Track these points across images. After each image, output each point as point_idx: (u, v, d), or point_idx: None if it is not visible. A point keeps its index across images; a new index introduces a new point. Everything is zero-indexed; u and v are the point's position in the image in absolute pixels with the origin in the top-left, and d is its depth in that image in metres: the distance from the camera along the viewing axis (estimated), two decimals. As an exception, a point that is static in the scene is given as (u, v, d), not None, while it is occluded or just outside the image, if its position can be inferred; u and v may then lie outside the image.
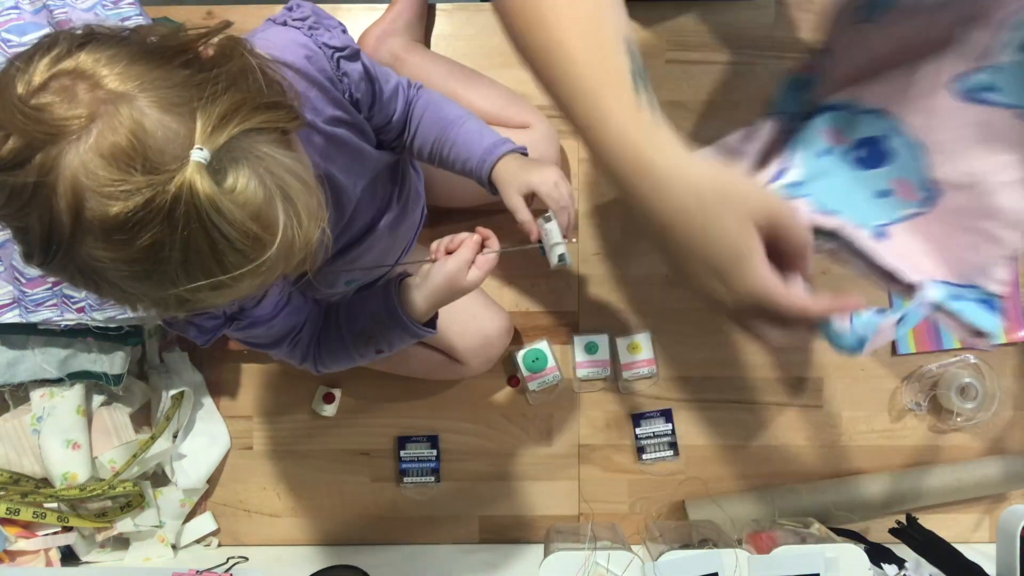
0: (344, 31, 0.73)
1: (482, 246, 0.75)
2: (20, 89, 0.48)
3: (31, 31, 0.92)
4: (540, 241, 0.80)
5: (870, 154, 0.67)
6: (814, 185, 0.66)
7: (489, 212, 1.08)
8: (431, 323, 0.78)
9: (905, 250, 0.66)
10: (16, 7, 0.92)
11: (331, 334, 0.80)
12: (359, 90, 0.75)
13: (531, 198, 0.80)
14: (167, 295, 0.53)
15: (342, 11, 1.09)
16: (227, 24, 0.55)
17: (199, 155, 0.48)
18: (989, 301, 0.66)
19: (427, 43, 1.09)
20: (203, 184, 0.48)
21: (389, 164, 0.85)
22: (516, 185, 0.79)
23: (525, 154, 0.83)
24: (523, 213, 0.79)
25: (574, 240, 0.80)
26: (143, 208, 0.48)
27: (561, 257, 0.80)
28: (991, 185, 0.63)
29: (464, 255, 0.73)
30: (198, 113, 0.49)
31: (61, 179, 0.48)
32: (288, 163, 0.53)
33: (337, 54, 0.72)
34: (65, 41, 0.50)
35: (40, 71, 0.49)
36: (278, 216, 0.52)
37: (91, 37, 0.51)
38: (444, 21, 1.10)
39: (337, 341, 0.79)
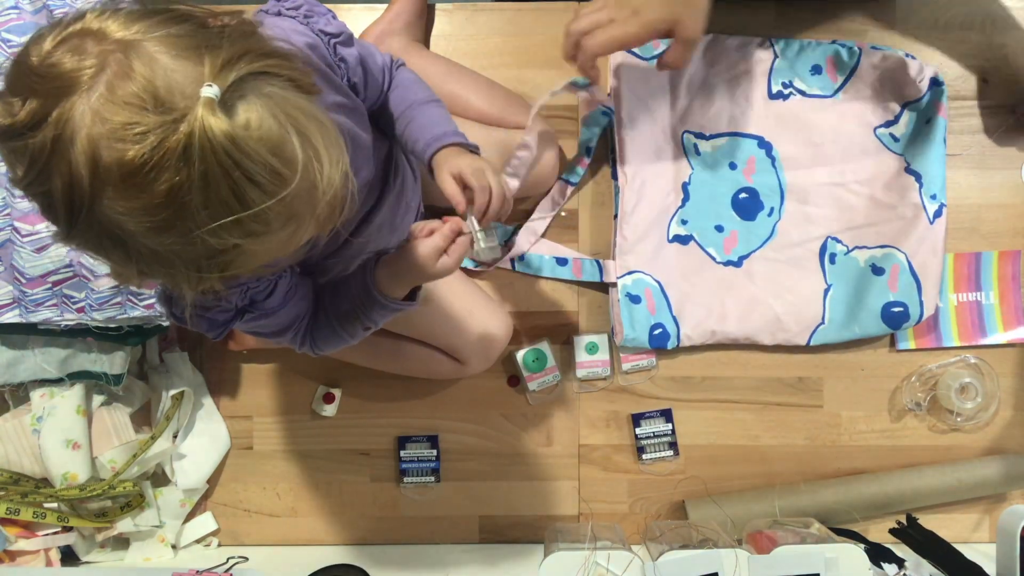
0: (334, 17, 0.74)
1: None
2: (34, 58, 0.50)
3: (31, 31, 0.92)
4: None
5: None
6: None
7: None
8: (413, 295, 0.78)
9: None
10: (16, 7, 0.93)
11: (320, 318, 0.80)
12: (355, 74, 0.76)
13: (463, 187, 0.79)
14: (197, 250, 0.52)
15: (342, 11, 1.09)
16: (240, 10, 0.57)
17: (209, 91, 0.49)
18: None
19: (427, 43, 1.09)
20: (216, 119, 0.48)
21: (383, 156, 0.86)
22: (447, 167, 0.78)
23: (474, 151, 0.82)
24: (451, 188, 0.78)
25: (499, 224, 0.79)
26: (158, 148, 0.48)
27: (478, 252, 0.79)
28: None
29: (437, 242, 0.72)
30: (206, 55, 0.50)
31: (76, 129, 0.48)
32: (301, 104, 0.54)
33: (334, 40, 0.73)
34: (76, 12, 0.52)
35: (50, 40, 0.50)
36: (296, 152, 0.52)
37: (105, 6, 0.53)
38: (444, 21, 1.10)
39: (325, 323, 0.79)
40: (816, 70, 1.06)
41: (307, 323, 0.80)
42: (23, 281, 0.94)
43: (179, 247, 0.52)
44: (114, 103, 0.48)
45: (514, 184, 1.00)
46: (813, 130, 1.06)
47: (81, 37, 0.50)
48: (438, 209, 1.06)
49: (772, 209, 1.08)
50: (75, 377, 0.99)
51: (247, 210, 0.51)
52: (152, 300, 0.96)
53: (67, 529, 1.02)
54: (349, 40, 0.75)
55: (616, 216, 1.06)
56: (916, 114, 1.05)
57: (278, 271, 0.71)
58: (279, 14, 0.71)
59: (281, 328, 0.77)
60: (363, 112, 0.79)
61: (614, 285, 1.06)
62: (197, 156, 0.48)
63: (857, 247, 1.07)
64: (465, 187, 0.77)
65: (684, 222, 1.08)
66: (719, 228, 1.08)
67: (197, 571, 0.92)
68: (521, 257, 1.08)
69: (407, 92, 0.83)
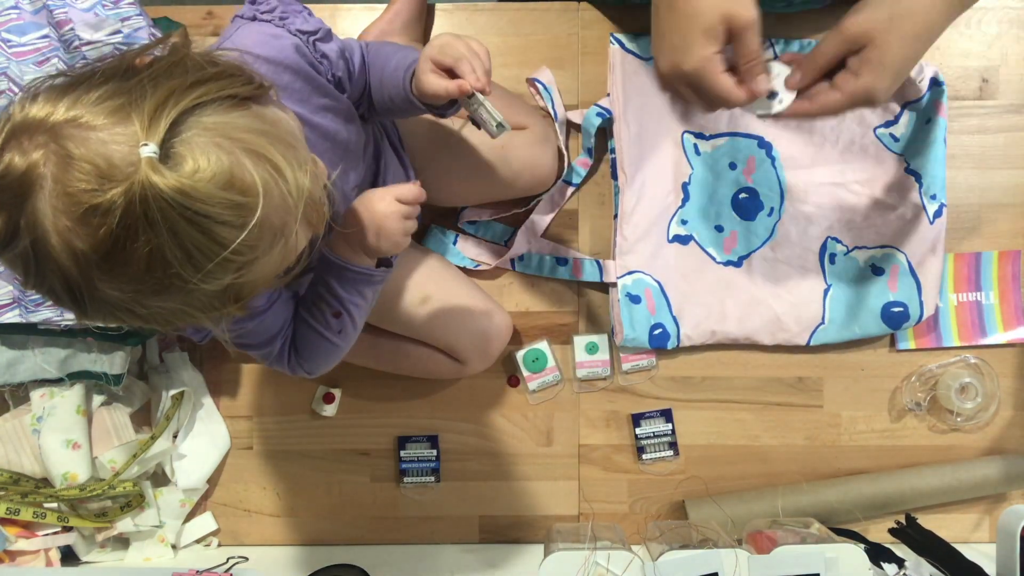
0: (310, 14, 0.73)
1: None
2: None
3: (31, 31, 0.92)
4: (473, 120, 0.76)
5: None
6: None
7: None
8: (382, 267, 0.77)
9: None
10: (16, 7, 0.92)
11: (296, 321, 0.80)
12: (339, 68, 0.75)
13: (449, 75, 0.75)
14: (200, 297, 0.53)
15: (342, 11, 1.09)
16: (168, 36, 0.57)
17: (146, 151, 0.48)
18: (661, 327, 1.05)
19: (426, 43, 1.09)
20: (161, 176, 0.48)
21: (371, 155, 0.85)
22: (421, 69, 0.75)
23: None
24: (443, 83, 0.73)
25: (489, 91, 0.73)
26: (121, 221, 0.48)
27: (499, 126, 0.73)
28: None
29: (404, 210, 0.73)
30: (132, 113, 0.50)
31: (46, 229, 0.49)
32: (244, 123, 0.53)
33: (312, 38, 0.72)
34: (5, 112, 0.52)
35: None
36: (251, 175, 0.52)
37: (28, 92, 0.52)
38: (444, 21, 1.10)
39: (300, 322, 0.79)
40: None
41: (291, 331, 0.80)
42: (23, 281, 0.94)
43: (183, 300, 0.53)
44: (66, 193, 0.48)
45: None
46: (813, 130, 1.06)
47: (16, 136, 0.50)
48: (438, 209, 1.07)
49: (772, 209, 1.08)
50: (75, 377, 0.99)
51: (226, 249, 0.51)
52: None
53: (67, 529, 1.02)
54: (328, 35, 0.74)
55: (616, 216, 1.06)
56: (916, 114, 1.05)
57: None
58: (254, 18, 0.71)
59: (269, 336, 0.77)
60: (350, 110, 0.78)
61: (614, 285, 1.06)
62: (158, 217, 0.48)
63: (857, 247, 1.07)
64: (449, 73, 0.73)
65: (684, 222, 1.08)
66: (719, 228, 1.08)
67: (197, 571, 0.92)
68: (521, 257, 1.08)
69: (377, 59, 0.82)
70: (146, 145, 0.48)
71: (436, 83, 0.73)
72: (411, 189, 0.75)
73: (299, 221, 0.56)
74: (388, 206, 0.73)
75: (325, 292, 0.76)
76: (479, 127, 0.75)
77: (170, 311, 0.54)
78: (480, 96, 0.72)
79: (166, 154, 0.49)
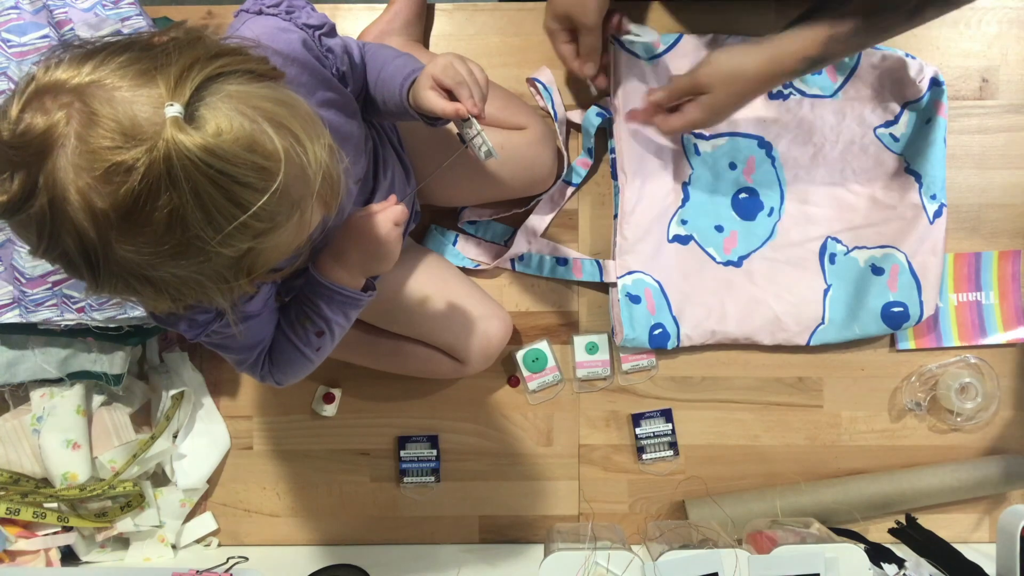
0: (314, 9, 0.74)
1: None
2: (4, 133, 0.51)
3: (31, 31, 0.92)
4: (463, 140, 0.77)
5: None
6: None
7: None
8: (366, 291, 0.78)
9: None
10: (16, 7, 0.93)
11: (276, 334, 0.80)
12: (343, 63, 0.76)
13: (447, 95, 0.76)
14: (216, 264, 0.54)
15: (342, 11, 1.09)
16: (180, 23, 0.58)
17: (172, 111, 0.49)
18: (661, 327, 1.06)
19: (426, 43, 1.09)
20: (186, 135, 0.49)
21: (370, 151, 0.85)
22: (421, 84, 0.76)
23: None
24: (441, 103, 0.74)
25: (484, 119, 0.75)
26: (143, 179, 0.49)
27: (487, 153, 0.76)
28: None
29: (398, 216, 0.74)
30: (158, 76, 0.50)
31: (65, 187, 0.49)
32: (265, 93, 0.54)
33: (318, 32, 0.73)
34: (27, 75, 0.53)
35: (14, 109, 0.51)
36: (274, 142, 0.52)
37: (52, 58, 0.53)
38: (443, 21, 1.10)
39: (280, 335, 0.79)
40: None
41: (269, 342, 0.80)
42: (23, 281, 0.94)
43: (199, 266, 0.53)
44: (89, 151, 0.49)
45: None
46: (813, 130, 1.06)
47: (38, 97, 0.50)
48: (438, 209, 1.07)
49: (772, 209, 1.08)
50: (75, 377, 0.99)
51: (246, 212, 0.51)
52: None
53: (67, 529, 1.02)
54: (332, 31, 0.75)
55: (616, 216, 1.06)
56: (916, 114, 1.05)
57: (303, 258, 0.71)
58: (260, 12, 0.71)
59: (253, 341, 0.77)
60: (352, 104, 0.79)
61: (614, 285, 1.06)
62: (182, 176, 0.49)
63: (857, 247, 1.07)
64: (448, 93, 0.75)
65: (684, 222, 1.08)
66: (719, 228, 1.08)
67: (197, 571, 0.92)
68: (521, 257, 1.08)
69: (375, 60, 0.83)
70: (172, 105, 0.49)
71: (434, 101, 0.74)
72: (392, 204, 0.76)
73: (315, 196, 0.57)
74: (376, 219, 0.74)
75: (312, 312, 0.77)
76: (467, 147, 0.77)
77: (183, 280, 0.54)
78: (474, 121, 0.74)
79: (190, 116, 0.50)
